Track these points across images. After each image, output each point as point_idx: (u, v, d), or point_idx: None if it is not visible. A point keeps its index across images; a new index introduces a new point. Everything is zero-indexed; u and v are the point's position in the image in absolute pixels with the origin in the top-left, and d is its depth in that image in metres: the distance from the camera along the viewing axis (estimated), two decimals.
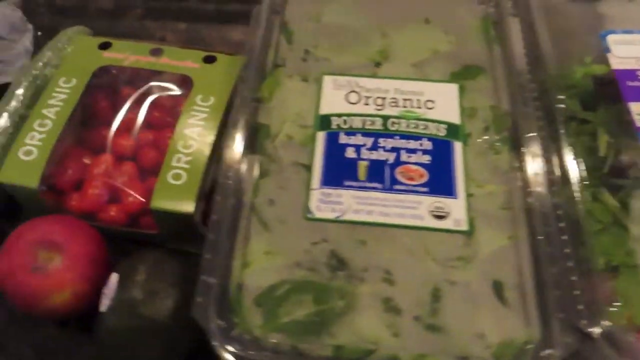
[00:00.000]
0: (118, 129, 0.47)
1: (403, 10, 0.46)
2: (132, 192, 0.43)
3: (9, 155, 0.43)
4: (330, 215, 0.36)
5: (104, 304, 0.38)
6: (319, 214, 0.36)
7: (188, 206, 0.41)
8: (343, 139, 0.39)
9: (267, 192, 0.37)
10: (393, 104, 0.41)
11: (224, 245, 0.35)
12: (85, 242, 0.41)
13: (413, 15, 0.45)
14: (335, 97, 0.41)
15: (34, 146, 0.43)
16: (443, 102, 0.41)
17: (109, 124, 0.48)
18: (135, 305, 0.37)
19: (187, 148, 0.43)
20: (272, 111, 0.41)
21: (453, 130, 0.39)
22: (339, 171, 0.38)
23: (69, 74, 0.47)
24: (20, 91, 0.50)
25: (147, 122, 0.48)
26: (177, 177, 0.42)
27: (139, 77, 0.49)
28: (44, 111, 0.45)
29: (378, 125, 0.40)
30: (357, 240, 0.35)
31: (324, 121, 0.40)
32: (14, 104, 0.50)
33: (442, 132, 0.39)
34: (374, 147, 0.39)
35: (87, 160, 0.46)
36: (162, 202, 0.41)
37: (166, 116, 0.48)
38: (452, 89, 0.41)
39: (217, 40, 0.60)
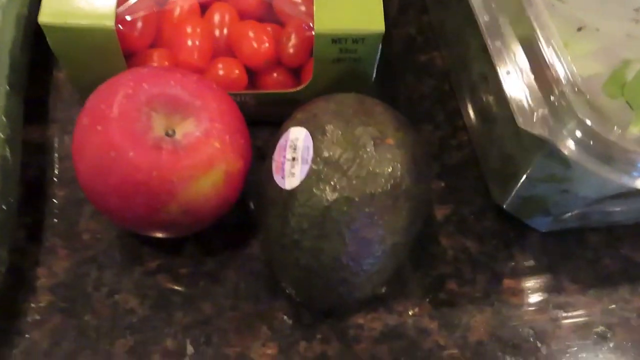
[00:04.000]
0: None
1: None
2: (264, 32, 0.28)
3: None
4: None
5: (291, 174, 0.23)
6: None
7: (377, 24, 0.26)
8: None
9: None
10: None
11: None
12: (219, 97, 0.25)
13: None
14: None
15: None
16: None
17: None
18: (357, 162, 0.23)
19: None
20: None
21: None
22: None
23: None
24: None
25: None
26: None
27: None
28: None
29: None
30: None
31: None
32: None
33: None
34: None
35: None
36: (334, 23, 0.26)
37: None
38: None
39: None
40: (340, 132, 0.23)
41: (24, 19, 0.31)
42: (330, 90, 0.29)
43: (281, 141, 0.24)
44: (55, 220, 0.28)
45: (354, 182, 0.22)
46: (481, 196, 0.31)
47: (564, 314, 0.27)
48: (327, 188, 0.22)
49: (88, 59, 0.27)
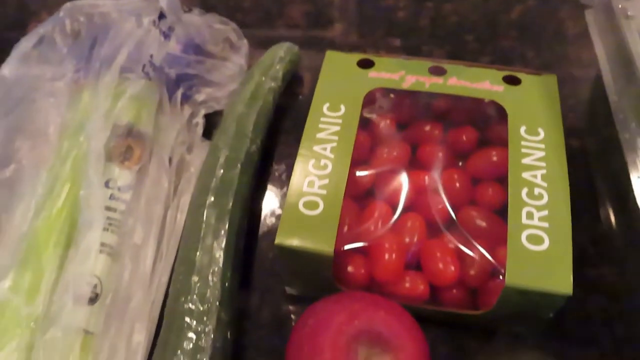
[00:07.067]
0: (389, 170, 0.36)
1: None
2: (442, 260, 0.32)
3: (286, 209, 0.32)
4: None
5: None
6: None
7: (565, 286, 0.29)
8: None
9: None
10: None
11: None
12: (415, 335, 0.29)
13: None
14: None
15: (317, 196, 0.32)
16: None
17: (369, 163, 0.37)
18: None
19: (536, 199, 0.31)
20: None
21: None
22: None
23: (332, 100, 0.36)
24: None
25: (421, 161, 0.37)
26: (535, 240, 0.30)
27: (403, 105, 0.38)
28: (316, 148, 0.34)
29: None
30: None
31: None
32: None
33: None
34: None
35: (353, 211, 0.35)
36: (523, 278, 0.29)
37: (450, 153, 0.37)
38: None
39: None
40: None
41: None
42: (506, 317, 0.32)
43: None
44: None
45: None
46: None
47: None
48: None
49: (303, 269, 0.32)
